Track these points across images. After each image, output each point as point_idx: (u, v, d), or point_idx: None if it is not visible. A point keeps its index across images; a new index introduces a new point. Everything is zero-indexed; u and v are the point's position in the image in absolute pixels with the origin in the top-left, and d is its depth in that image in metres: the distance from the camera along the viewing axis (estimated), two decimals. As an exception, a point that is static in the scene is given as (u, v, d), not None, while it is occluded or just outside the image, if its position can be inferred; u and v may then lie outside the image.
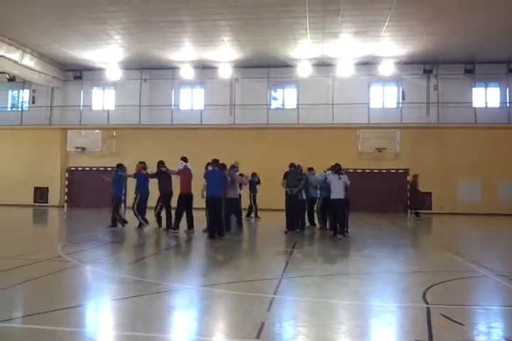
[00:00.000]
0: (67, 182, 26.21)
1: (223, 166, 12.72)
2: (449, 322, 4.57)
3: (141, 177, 13.80)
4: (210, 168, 12.28)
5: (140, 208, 13.60)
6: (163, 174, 13.51)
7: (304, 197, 13.81)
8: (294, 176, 13.45)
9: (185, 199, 12.68)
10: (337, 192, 12.08)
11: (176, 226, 12.60)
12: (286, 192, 13.48)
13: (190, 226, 12.84)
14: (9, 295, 5.72)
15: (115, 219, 13.65)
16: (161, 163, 13.69)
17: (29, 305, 5.36)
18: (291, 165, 13.82)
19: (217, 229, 11.65)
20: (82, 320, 4.85)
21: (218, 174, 12.03)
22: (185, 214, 12.84)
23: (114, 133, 25.78)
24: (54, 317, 4.66)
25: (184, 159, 13.50)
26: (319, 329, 4.46)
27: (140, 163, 14.18)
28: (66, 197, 26.23)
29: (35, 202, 26.07)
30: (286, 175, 13.57)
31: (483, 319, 4.99)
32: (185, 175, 13.00)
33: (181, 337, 4.29)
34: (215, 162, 12.17)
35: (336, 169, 12.38)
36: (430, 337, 4.14)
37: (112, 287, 6.34)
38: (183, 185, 12.84)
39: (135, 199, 13.62)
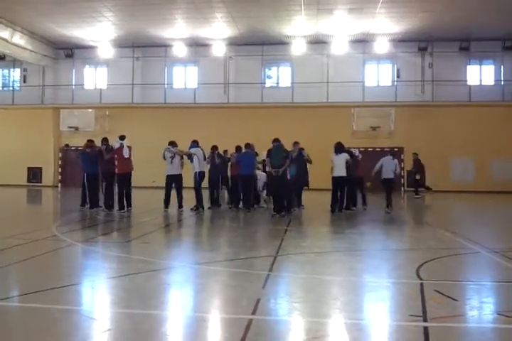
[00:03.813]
0: (60, 162, 26.11)
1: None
2: (443, 298, 4.63)
3: (85, 156, 13.28)
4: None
5: (89, 188, 13.12)
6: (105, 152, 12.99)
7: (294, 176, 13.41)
8: (279, 154, 11.79)
9: (122, 178, 12.75)
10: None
11: (122, 206, 12.65)
12: (270, 172, 12.06)
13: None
14: (5, 274, 5.73)
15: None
16: (104, 141, 13.24)
17: (26, 284, 5.37)
18: (276, 140, 12.00)
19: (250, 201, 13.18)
20: (78, 298, 4.87)
21: (250, 156, 13.56)
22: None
23: (107, 112, 25.58)
24: (51, 295, 4.67)
25: (121, 137, 12.98)
26: (314, 305, 4.51)
27: (88, 141, 13.63)
28: (60, 177, 26.16)
29: (28, 182, 26.01)
30: (269, 153, 12.05)
31: (476, 294, 5.05)
32: (121, 153, 12.79)
33: (178, 314, 4.32)
34: (248, 145, 13.60)
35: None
36: (424, 312, 4.18)
37: (108, 265, 6.36)
38: (119, 164, 12.68)
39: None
